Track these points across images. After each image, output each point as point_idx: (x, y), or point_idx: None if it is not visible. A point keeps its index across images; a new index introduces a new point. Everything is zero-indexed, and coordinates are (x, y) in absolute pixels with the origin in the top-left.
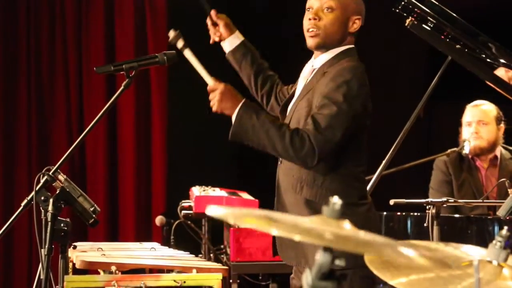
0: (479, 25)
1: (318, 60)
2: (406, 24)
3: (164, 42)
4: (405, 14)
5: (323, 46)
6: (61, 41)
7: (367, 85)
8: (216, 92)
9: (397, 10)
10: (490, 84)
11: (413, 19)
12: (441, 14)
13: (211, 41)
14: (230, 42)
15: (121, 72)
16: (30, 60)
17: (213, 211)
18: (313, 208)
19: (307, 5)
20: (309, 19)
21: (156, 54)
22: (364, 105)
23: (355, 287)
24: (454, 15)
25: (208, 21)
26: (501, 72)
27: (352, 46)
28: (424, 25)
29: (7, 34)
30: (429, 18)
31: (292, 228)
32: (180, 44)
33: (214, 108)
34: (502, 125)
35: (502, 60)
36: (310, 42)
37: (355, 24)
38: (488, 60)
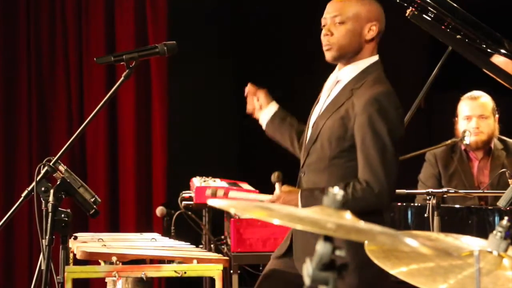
0: (479, 15)
1: (343, 72)
2: (406, 15)
3: (164, 32)
4: (405, 4)
5: (339, 58)
6: (61, 32)
7: (400, 106)
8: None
9: (398, 0)
10: (491, 74)
11: (413, 9)
12: (442, 4)
13: (250, 112)
14: (268, 110)
15: (121, 63)
16: (30, 51)
17: (215, 202)
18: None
19: (322, 23)
20: (323, 35)
21: (156, 45)
22: (402, 127)
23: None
24: (455, 5)
25: (249, 94)
26: (497, 59)
27: (377, 58)
28: (424, 16)
29: (7, 26)
30: (429, 8)
31: (294, 218)
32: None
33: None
34: (497, 115)
35: (502, 51)
36: (327, 56)
37: (372, 31)
38: (488, 50)
